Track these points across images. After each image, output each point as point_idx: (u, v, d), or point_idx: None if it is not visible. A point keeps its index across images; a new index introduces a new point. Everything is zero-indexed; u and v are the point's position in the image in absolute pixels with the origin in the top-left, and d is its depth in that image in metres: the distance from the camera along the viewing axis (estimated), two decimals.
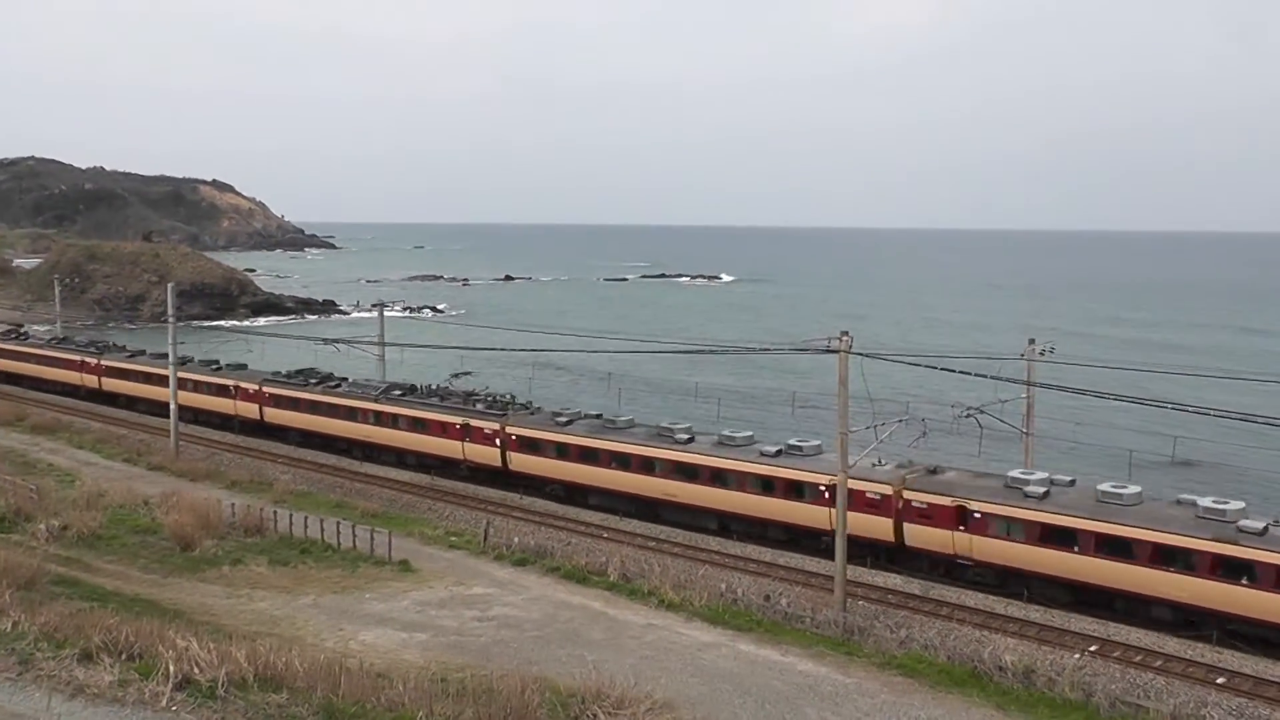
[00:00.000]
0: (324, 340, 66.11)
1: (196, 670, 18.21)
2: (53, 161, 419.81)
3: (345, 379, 66.01)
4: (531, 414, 55.78)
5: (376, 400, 60.93)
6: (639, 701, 22.53)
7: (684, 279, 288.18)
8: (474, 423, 55.65)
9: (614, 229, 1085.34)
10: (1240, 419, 33.76)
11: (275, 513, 44.95)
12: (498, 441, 54.51)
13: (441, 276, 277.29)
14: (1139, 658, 32.70)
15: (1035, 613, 36.56)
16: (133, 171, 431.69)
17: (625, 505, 49.69)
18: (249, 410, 68.12)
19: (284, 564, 39.32)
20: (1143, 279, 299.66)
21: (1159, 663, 32.33)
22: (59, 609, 24.19)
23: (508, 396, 59.58)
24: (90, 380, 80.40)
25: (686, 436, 48.60)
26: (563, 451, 51.91)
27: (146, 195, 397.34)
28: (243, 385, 68.44)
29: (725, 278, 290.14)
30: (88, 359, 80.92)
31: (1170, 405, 37.31)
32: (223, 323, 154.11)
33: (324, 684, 19.05)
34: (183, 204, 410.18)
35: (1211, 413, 35.68)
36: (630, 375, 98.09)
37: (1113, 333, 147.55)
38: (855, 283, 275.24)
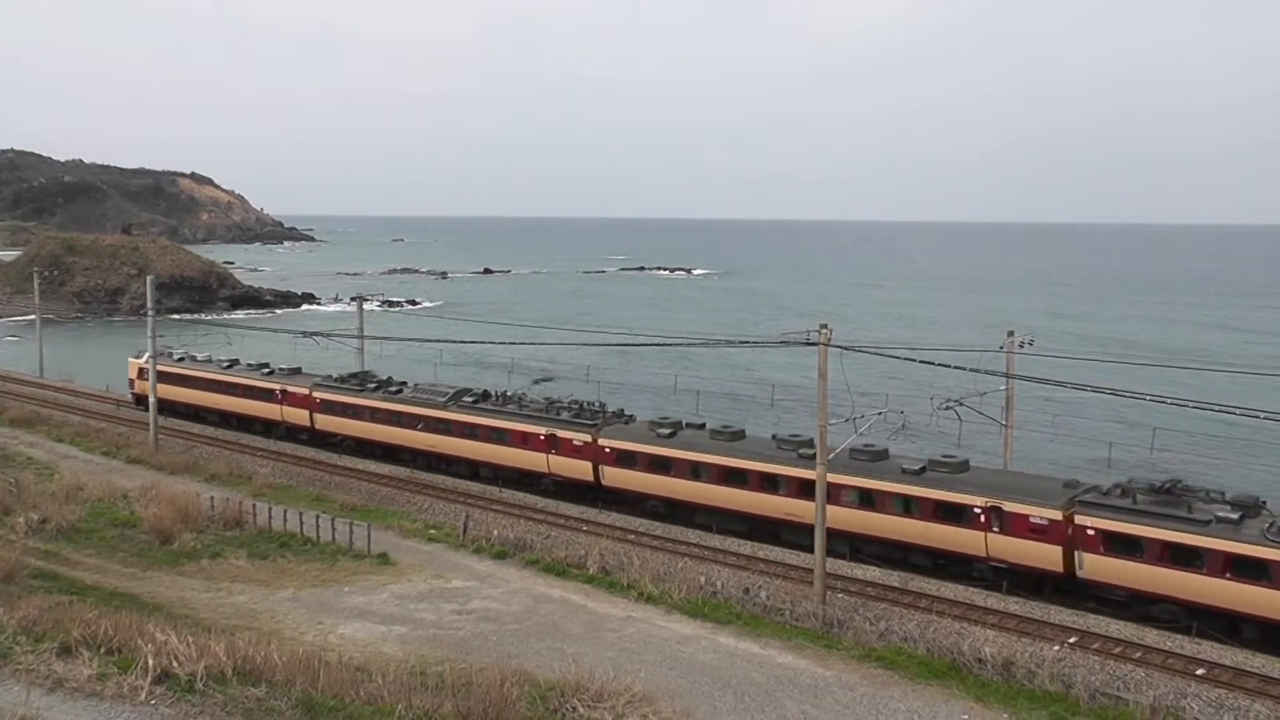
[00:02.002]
0: (303, 333, 65.62)
1: (175, 664, 18.21)
2: (32, 154, 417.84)
3: (961, 460, 41.30)
4: None
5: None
6: (618, 694, 22.55)
7: (661, 272, 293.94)
8: None
9: (602, 222, 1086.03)
10: (1220, 410, 33.92)
11: (254, 506, 44.86)
12: None
13: (419, 270, 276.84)
14: (1118, 649, 32.78)
15: (1015, 605, 36.67)
16: (112, 164, 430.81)
17: None
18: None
19: (263, 557, 39.29)
20: (1109, 272, 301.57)
21: (1138, 654, 32.41)
22: (38, 602, 24.11)
23: None
24: (574, 468, 50.44)
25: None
26: None
27: (126, 188, 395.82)
28: (790, 473, 42.72)
29: (698, 271, 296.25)
30: (570, 435, 50.30)
31: (1148, 397, 37.44)
32: (202, 316, 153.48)
33: (303, 677, 19.03)
34: (162, 197, 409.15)
35: (1189, 404, 35.94)
36: (569, 366, 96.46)
37: (1071, 327, 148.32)
38: (821, 276, 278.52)
